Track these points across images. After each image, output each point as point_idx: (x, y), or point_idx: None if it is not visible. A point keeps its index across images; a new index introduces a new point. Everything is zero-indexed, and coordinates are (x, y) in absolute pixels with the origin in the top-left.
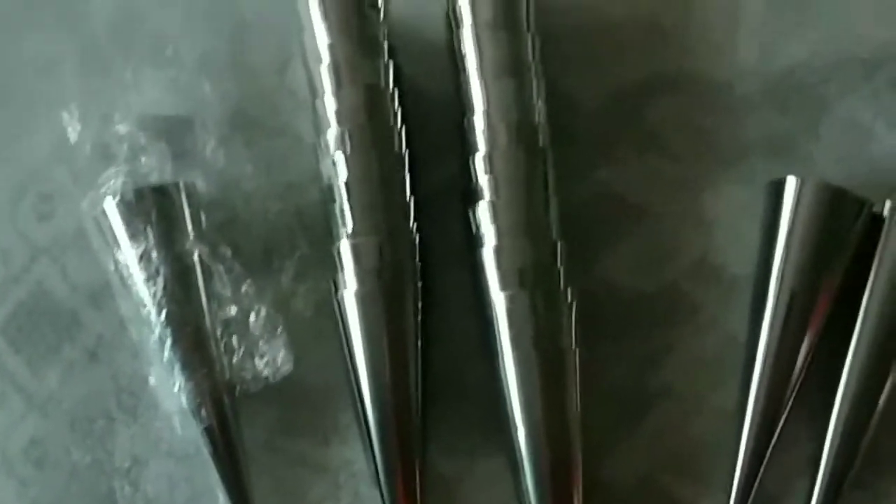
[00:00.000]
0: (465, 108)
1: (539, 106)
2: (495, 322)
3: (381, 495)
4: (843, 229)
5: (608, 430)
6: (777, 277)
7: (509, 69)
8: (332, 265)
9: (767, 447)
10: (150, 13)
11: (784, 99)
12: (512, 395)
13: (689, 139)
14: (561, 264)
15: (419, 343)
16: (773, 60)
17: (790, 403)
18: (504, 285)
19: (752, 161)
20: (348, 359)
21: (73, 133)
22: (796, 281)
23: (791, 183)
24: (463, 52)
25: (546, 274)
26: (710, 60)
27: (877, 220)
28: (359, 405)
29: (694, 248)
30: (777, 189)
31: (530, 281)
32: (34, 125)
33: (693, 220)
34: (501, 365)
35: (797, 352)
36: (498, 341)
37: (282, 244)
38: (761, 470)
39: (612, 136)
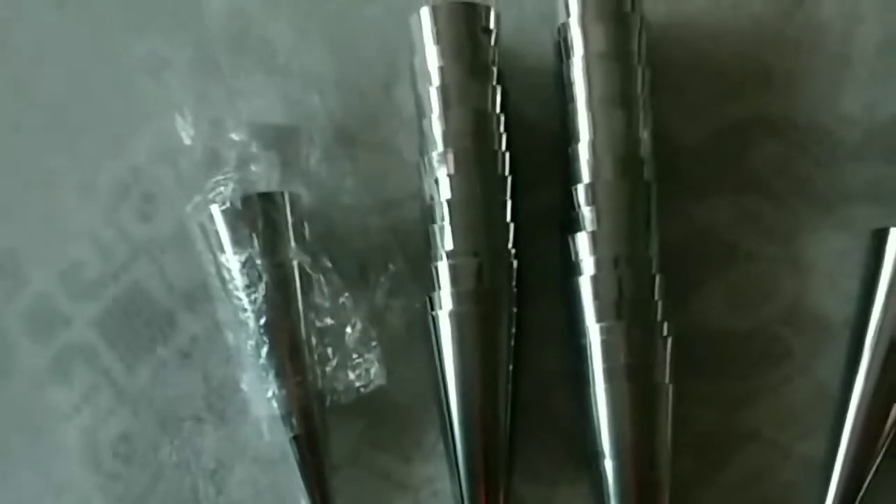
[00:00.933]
0: (570, 137)
1: (645, 140)
2: (589, 352)
3: None
4: None
5: (695, 470)
6: (876, 327)
7: (618, 101)
8: (426, 283)
9: (855, 499)
10: (264, 22)
11: (888, 148)
12: (602, 426)
13: (789, 182)
14: (659, 298)
15: (510, 368)
16: (878, 109)
17: (881, 456)
18: (601, 316)
19: (853, 209)
20: (440, 378)
21: (186, 136)
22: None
23: (895, 234)
24: (572, 80)
25: (644, 307)
26: (815, 105)
27: None
28: (447, 425)
29: (789, 292)
30: (880, 238)
31: (628, 313)
32: (143, 126)
33: (789, 264)
34: (593, 396)
35: (891, 404)
36: (591, 372)
37: (378, 259)
38: None
39: (712, 175)
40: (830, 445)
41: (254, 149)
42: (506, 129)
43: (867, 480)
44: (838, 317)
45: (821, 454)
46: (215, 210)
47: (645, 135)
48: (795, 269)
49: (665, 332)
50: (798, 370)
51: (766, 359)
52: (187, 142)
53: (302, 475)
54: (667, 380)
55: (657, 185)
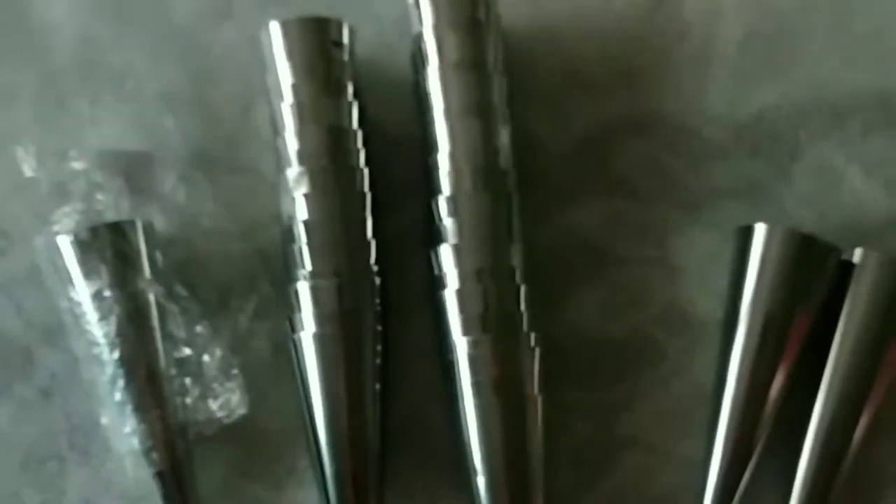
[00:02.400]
0: (430, 148)
1: (505, 149)
2: (456, 367)
3: None
4: (812, 277)
5: (575, 479)
6: (745, 324)
7: (476, 110)
8: (288, 307)
9: (732, 498)
10: (113, 47)
11: (754, 144)
12: (472, 441)
13: (658, 184)
14: (525, 309)
15: (377, 387)
16: (743, 105)
17: (757, 453)
18: (466, 330)
19: (722, 206)
20: (304, 402)
21: (28, 169)
22: (764, 328)
23: (760, 230)
24: (428, 91)
25: (509, 319)
26: (680, 105)
27: (847, 268)
28: (314, 449)
29: (662, 294)
30: (746, 235)
31: (493, 326)
32: None
33: (661, 266)
34: (462, 410)
35: (765, 400)
36: (459, 387)
37: (242, 283)
38: None
39: (579, 179)
40: (707, 445)
41: (99, 178)
42: (364, 145)
43: (745, 479)
44: (712, 316)
45: (700, 456)
46: (62, 242)
47: (504, 144)
48: (667, 271)
49: (532, 343)
50: (673, 372)
51: (642, 363)
52: (29, 174)
53: None
54: (536, 391)
55: (521, 194)
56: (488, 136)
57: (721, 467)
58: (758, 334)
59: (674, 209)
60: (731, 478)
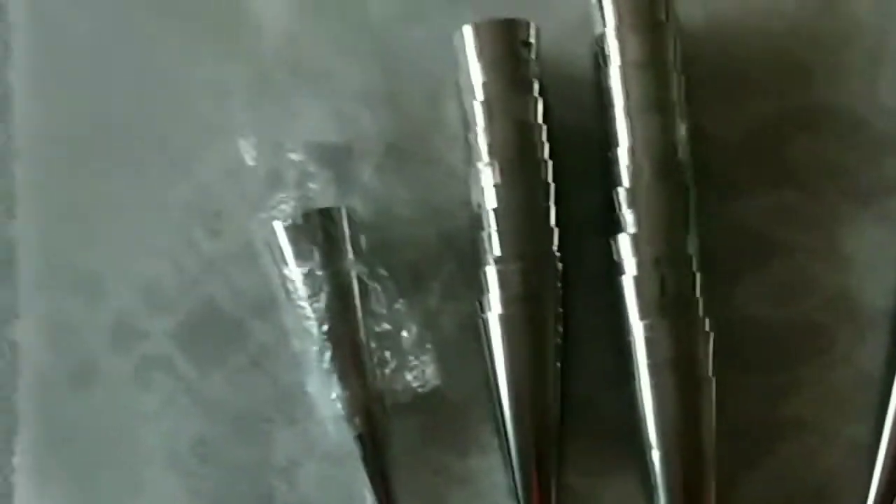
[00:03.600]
0: (610, 143)
1: (682, 143)
2: (634, 349)
3: None
4: None
5: (741, 459)
6: None
7: (655, 107)
8: (477, 287)
9: None
10: (315, 45)
11: None
12: (648, 420)
13: (827, 176)
14: (700, 295)
15: (558, 365)
16: None
17: None
18: (644, 314)
19: (893, 199)
20: (491, 377)
21: (249, 158)
22: None
23: None
24: (610, 88)
25: (685, 304)
26: (851, 99)
27: None
28: (500, 421)
29: (830, 283)
30: None
31: (670, 310)
32: (209, 148)
33: (829, 256)
34: (639, 390)
35: None
36: (636, 368)
37: (430, 266)
38: None
39: (749, 171)
40: (875, 430)
41: (311, 168)
42: (548, 139)
43: None
44: (880, 306)
45: (865, 439)
46: (278, 226)
47: (682, 139)
48: (835, 261)
49: (707, 328)
50: (841, 358)
51: (809, 349)
52: (251, 163)
53: (366, 471)
54: (710, 373)
55: (696, 186)
56: (667, 132)
57: (889, 451)
58: None
59: (843, 201)
60: None
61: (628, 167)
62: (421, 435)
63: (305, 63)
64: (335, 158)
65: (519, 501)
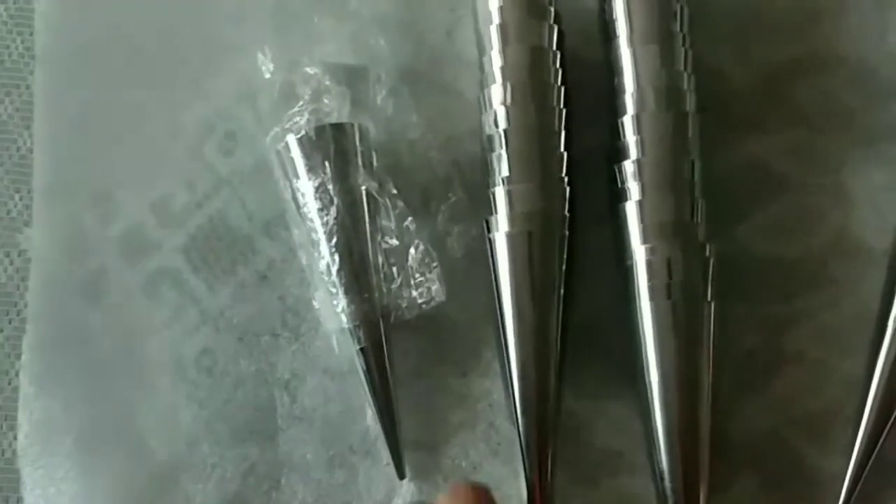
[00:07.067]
0: (615, 72)
1: (686, 73)
2: (634, 272)
3: (517, 427)
4: None
5: (739, 388)
6: None
7: (657, 37)
8: (485, 210)
9: (890, 416)
10: None
11: None
12: (647, 343)
13: (835, 118)
14: (701, 222)
15: (562, 289)
16: None
17: None
18: (645, 238)
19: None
20: (496, 296)
21: (266, 71)
22: None
23: None
24: (614, 19)
25: (686, 228)
26: (860, 45)
27: None
28: (501, 338)
29: (834, 221)
30: None
31: (670, 235)
32: (225, 69)
33: (835, 194)
34: (638, 313)
35: None
36: (636, 291)
37: (439, 189)
38: (882, 437)
39: (760, 110)
40: (869, 364)
41: (327, 82)
42: (561, 66)
43: None
44: (881, 245)
45: (863, 372)
46: (291, 139)
47: (686, 69)
48: (840, 200)
49: (707, 253)
50: (842, 294)
51: (811, 283)
52: (267, 76)
53: (368, 384)
54: (709, 297)
55: (703, 118)
56: (669, 61)
57: (880, 385)
58: None
59: (850, 143)
60: (890, 396)
61: (633, 95)
62: (422, 353)
63: None
64: (350, 78)
65: (518, 422)
